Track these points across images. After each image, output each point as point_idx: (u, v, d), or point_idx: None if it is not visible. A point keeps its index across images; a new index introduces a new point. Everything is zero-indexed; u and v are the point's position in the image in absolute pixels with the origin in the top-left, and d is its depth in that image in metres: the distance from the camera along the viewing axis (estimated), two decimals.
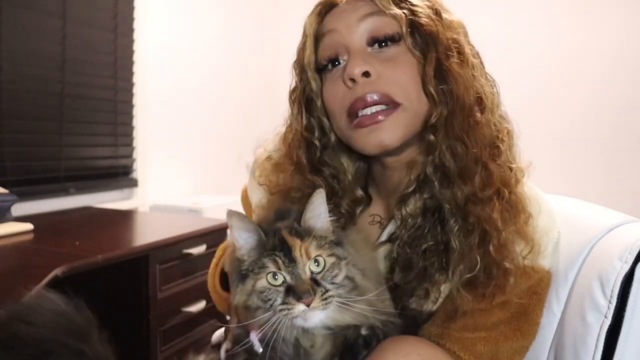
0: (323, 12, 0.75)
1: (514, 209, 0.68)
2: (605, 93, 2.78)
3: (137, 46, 2.39)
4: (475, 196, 0.67)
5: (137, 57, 2.39)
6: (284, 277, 0.60)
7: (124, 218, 2.08)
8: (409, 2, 0.70)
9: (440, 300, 0.71)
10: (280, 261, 0.60)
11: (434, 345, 0.66)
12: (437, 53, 0.68)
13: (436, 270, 0.69)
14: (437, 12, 0.71)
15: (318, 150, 0.77)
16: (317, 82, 0.76)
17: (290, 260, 0.60)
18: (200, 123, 2.84)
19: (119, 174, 2.37)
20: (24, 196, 1.84)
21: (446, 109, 0.68)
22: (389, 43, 0.70)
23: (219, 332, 0.98)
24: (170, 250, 1.69)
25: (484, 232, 0.66)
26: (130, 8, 2.34)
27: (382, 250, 0.76)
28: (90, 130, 2.21)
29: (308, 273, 0.61)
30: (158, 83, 2.51)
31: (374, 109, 0.69)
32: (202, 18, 2.84)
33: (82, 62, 2.13)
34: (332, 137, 0.77)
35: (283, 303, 0.59)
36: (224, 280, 0.90)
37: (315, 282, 0.60)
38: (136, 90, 2.40)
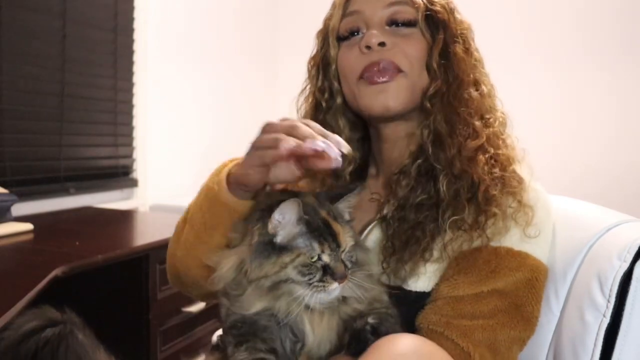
0: None
1: (501, 166, 0.76)
2: None
3: (137, 46, 2.38)
4: (461, 152, 0.75)
5: (137, 57, 2.39)
6: (322, 258, 0.65)
7: (124, 218, 2.08)
8: None
9: (433, 278, 0.74)
10: (327, 245, 0.66)
11: (431, 342, 0.66)
12: (445, 36, 0.80)
13: (429, 221, 0.75)
14: (450, 9, 0.83)
15: (323, 111, 0.87)
16: (336, 49, 0.85)
17: (337, 245, 0.66)
18: (200, 123, 2.84)
19: (119, 174, 2.37)
20: (24, 196, 1.83)
21: (444, 84, 0.79)
22: (405, 26, 0.81)
23: (219, 332, 0.99)
24: None
25: (471, 181, 0.74)
26: (130, 8, 2.34)
27: (376, 230, 0.81)
28: (90, 130, 2.21)
29: (342, 256, 0.67)
30: (158, 83, 2.50)
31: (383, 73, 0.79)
32: (201, 17, 2.84)
33: (82, 62, 2.12)
34: (338, 100, 0.87)
35: (320, 280, 0.64)
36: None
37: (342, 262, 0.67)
38: (136, 90, 2.40)
